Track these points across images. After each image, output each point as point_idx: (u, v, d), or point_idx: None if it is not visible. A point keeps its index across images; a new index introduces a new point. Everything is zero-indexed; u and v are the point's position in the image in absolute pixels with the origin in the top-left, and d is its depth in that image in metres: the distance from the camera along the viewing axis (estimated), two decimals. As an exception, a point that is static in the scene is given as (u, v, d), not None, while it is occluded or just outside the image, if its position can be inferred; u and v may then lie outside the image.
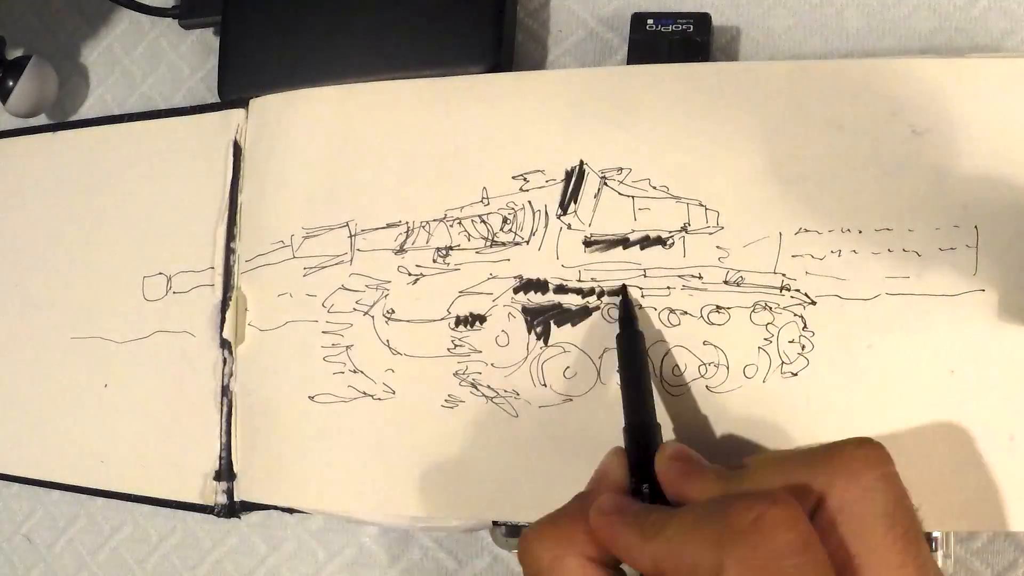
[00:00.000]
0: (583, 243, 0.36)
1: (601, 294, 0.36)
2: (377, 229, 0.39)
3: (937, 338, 0.33)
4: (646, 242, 0.35)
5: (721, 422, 0.34)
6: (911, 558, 0.26)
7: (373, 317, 0.38)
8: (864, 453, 0.27)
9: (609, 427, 0.35)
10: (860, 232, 0.34)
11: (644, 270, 0.35)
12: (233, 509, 0.41)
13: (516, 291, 0.37)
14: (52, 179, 0.46)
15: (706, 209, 0.35)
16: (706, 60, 0.37)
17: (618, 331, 0.34)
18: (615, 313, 0.35)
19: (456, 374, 0.37)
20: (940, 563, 0.33)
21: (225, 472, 0.41)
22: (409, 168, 0.38)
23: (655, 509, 0.28)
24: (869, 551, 0.26)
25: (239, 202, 0.42)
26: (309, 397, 0.39)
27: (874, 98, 0.34)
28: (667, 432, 0.34)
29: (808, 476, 0.27)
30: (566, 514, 0.29)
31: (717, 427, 0.34)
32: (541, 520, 0.29)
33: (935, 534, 0.33)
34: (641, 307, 0.35)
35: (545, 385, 0.36)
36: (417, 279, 0.38)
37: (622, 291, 0.35)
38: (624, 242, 0.36)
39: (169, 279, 0.43)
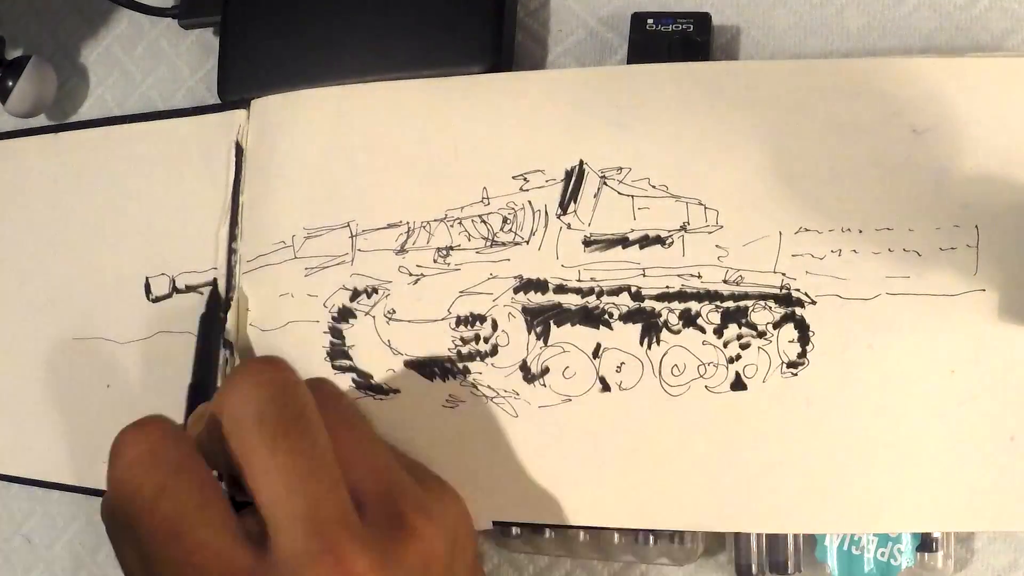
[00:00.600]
0: (583, 243, 0.36)
1: (601, 294, 0.36)
2: (378, 229, 0.39)
3: (937, 338, 0.33)
4: (645, 241, 0.35)
5: (721, 422, 0.34)
6: (283, 448, 0.28)
7: (374, 317, 0.38)
8: (244, 368, 0.30)
9: (609, 427, 0.35)
10: (860, 232, 0.34)
11: (643, 269, 0.35)
12: (234, 509, 0.41)
13: (516, 291, 0.37)
14: (53, 180, 0.46)
15: (705, 208, 0.35)
16: (706, 60, 0.37)
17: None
18: (615, 312, 0.35)
19: (456, 373, 0.37)
20: (940, 563, 0.33)
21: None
22: (410, 168, 0.38)
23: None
24: (250, 451, 0.28)
25: (241, 203, 0.42)
26: (310, 397, 0.39)
27: (875, 97, 0.34)
28: (668, 436, 0.34)
29: (215, 402, 0.30)
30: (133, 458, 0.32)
31: (717, 427, 0.34)
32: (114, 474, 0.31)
33: (935, 534, 0.33)
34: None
35: (545, 385, 0.36)
36: (418, 279, 0.38)
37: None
38: (624, 241, 0.36)
39: (171, 280, 0.43)
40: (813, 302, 0.34)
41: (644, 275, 0.35)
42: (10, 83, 0.46)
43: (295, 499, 0.27)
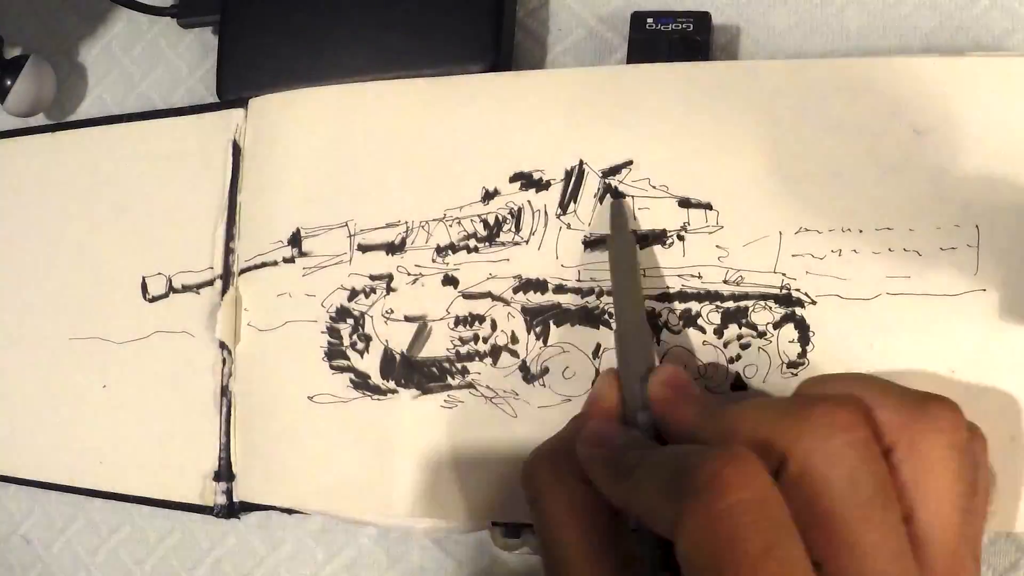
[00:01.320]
0: (583, 243, 0.36)
1: (601, 294, 0.35)
2: (376, 229, 0.39)
3: (938, 338, 0.33)
4: (645, 241, 0.35)
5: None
6: (877, 522, 0.26)
7: (372, 317, 0.38)
8: (832, 416, 0.26)
9: (609, 427, 0.35)
10: (861, 231, 0.33)
11: (643, 269, 0.35)
12: (232, 510, 0.41)
13: (516, 291, 0.36)
14: (51, 179, 0.46)
15: (706, 208, 0.35)
16: (706, 59, 0.37)
17: (611, 235, 0.35)
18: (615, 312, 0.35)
19: (455, 373, 0.37)
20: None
21: (224, 472, 0.41)
22: (408, 168, 0.38)
23: (633, 446, 0.29)
24: (833, 514, 0.26)
25: (238, 202, 0.42)
26: (308, 397, 0.39)
27: (875, 97, 0.34)
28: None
29: (776, 433, 0.26)
30: (561, 438, 0.31)
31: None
32: (540, 446, 0.31)
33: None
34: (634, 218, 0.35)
35: (544, 385, 0.36)
36: (416, 279, 0.38)
37: (616, 196, 0.35)
38: (624, 241, 0.35)
39: (168, 279, 0.43)
40: (813, 302, 0.34)
41: (644, 275, 0.35)
42: (8, 82, 0.46)
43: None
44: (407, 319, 0.38)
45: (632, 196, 0.36)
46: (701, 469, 0.25)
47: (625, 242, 0.34)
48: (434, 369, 0.37)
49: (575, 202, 0.36)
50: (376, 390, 0.38)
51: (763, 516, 0.25)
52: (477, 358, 0.37)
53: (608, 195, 0.36)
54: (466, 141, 0.38)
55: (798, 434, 0.26)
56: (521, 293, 0.36)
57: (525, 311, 0.36)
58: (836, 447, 0.26)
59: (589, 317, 0.35)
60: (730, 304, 0.34)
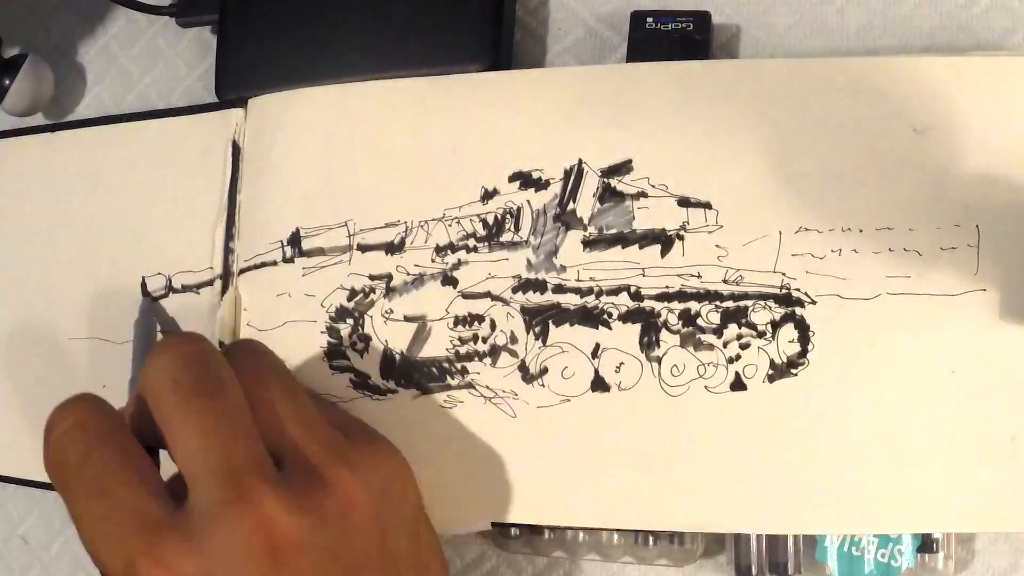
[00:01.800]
0: (582, 242, 0.36)
1: (600, 294, 0.35)
2: (376, 229, 0.38)
3: (938, 338, 0.33)
4: (645, 241, 0.35)
5: (720, 423, 0.34)
6: (196, 410, 0.30)
7: (372, 317, 0.38)
8: (166, 341, 0.32)
9: (608, 428, 0.35)
10: (861, 231, 0.33)
11: (643, 269, 0.35)
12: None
13: (515, 291, 0.36)
14: (49, 179, 0.46)
15: (706, 208, 0.35)
16: (706, 58, 0.37)
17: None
18: (614, 312, 0.35)
19: (455, 373, 0.37)
20: (941, 564, 0.33)
21: (223, 473, 0.40)
22: (408, 167, 0.38)
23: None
24: (168, 415, 0.30)
25: (238, 202, 0.42)
26: (308, 397, 0.39)
27: (875, 96, 0.34)
28: (667, 436, 0.34)
29: (142, 374, 0.31)
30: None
31: (716, 428, 0.34)
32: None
33: (935, 535, 0.33)
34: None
35: (543, 385, 0.36)
36: (416, 279, 0.38)
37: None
38: (623, 241, 0.35)
39: (168, 279, 0.42)
40: (813, 302, 0.34)
41: (643, 275, 0.35)
42: (7, 82, 0.46)
43: (208, 453, 0.29)
44: (406, 319, 0.38)
45: (631, 195, 0.36)
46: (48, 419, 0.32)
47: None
48: (433, 369, 0.37)
49: (574, 201, 0.36)
50: (376, 390, 0.38)
51: (80, 436, 0.31)
52: (476, 358, 0.37)
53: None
54: (465, 140, 0.38)
55: (146, 363, 0.31)
56: (520, 293, 0.36)
57: (524, 311, 0.36)
58: (165, 359, 0.31)
59: (588, 317, 0.35)
60: (730, 304, 0.34)
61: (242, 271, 0.41)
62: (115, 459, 0.30)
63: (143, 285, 0.43)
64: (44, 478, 0.44)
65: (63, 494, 0.31)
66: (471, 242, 0.37)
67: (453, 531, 0.38)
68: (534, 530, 0.36)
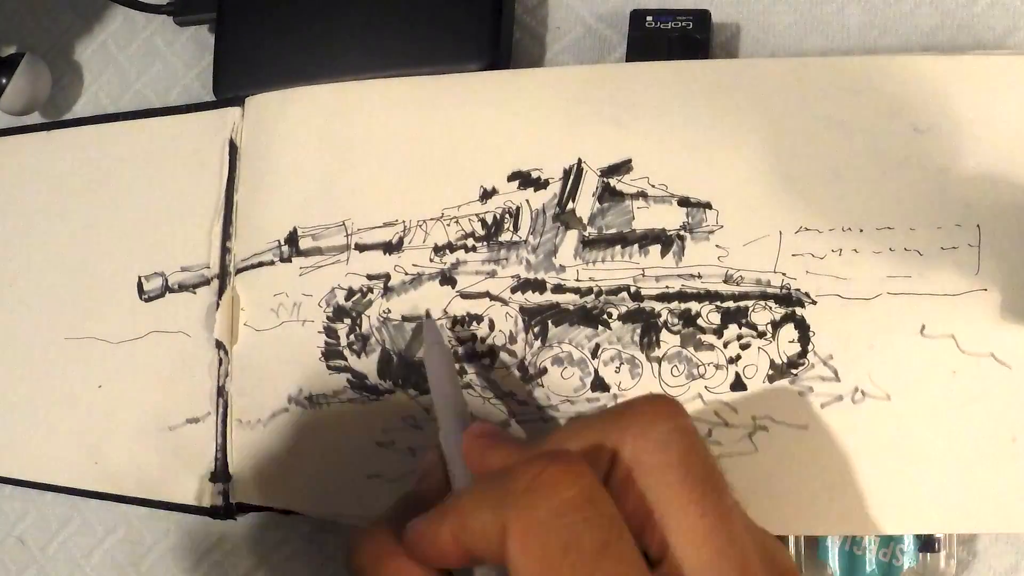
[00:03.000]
0: (581, 242, 0.36)
1: (600, 294, 0.35)
2: (374, 228, 0.38)
3: (939, 338, 0.32)
4: (645, 241, 0.35)
5: (720, 423, 0.34)
6: (711, 507, 0.25)
7: (369, 317, 0.38)
8: (654, 407, 0.27)
9: (608, 428, 0.35)
10: (861, 231, 0.33)
11: (643, 269, 0.35)
12: (229, 511, 0.40)
13: (513, 291, 0.36)
14: (46, 178, 0.46)
15: (705, 208, 0.35)
16: (706, 57, 0.37)
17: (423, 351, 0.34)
18: (614, 312, 0.35)
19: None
20: (943, 564, 0.33)
21: (221, 474, 0.40)
22: (406, 167, 0.38)
23: (453, 494, 0.28)
24: (667, 502, 0.25)
25: (235, 201, 0.42)
26: (306, 397, 0.39)
27: (875, 95, 0.34)
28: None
29: (601, 435, 0.26)
30: (390, 517, 0.29)
31: (716, 429, 0.34)
32: (370, 521, 0.29)
33: (938, 535, 0.33)
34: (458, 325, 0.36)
35: (542, 386, 0.36)
36: (414, 279, 0.38)
37: (426, 316, 0.36)
38: (622, 241, 0.35)
39: (164, 279, 0.42)
40: (813, 302, 0.33)
41: (643, 275, 0.35)
42: (4, 81, 0.45)
43: (725, 564, 0.25)
44: (404, 319, 0.38)
45: (631, 195, 0.35)
46: (521, 472, 0.25)
47: (442, 355, 0.34)
48: (432, 369, 0.37)
49: (574, 201, 0.36)
50: (374, 390, 0.38)
51: (594, 514, 0.24)
52: (475, 358, 0.36)
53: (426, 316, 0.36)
54: (464, 140, 0.38)
55: (625, 426, 0.26)
56: (519, 293, 0.36)
57: (523, 311, 0.36)
58: (662, 434, 0.26)
59: (587, 317, 0.35)
60: (730, 304, 0.34)
61: (239, 271, 0.41)
62: (635, 559, 0.24)
63: (139, 284, 0.43)
64: (40, 479, 0.44)
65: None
66: (470, 242, 0.37)
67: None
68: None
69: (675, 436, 0.26)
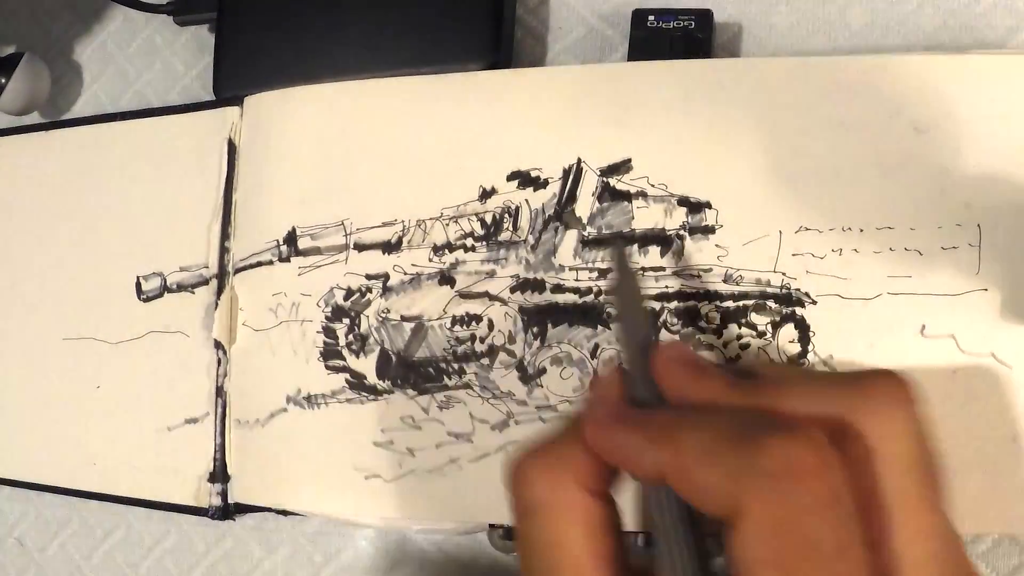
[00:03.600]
0: (581, 242, 0.36)
1: (599, 294, 0.35)
2: (373, 228, 0.38)
3: (939, 338, 0.32)
4: (644, 241, 0.35)
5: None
6: (939, 503, 0.24)
7: (368, 317, 0.38)
8: (895, 388, 0.25)
9: (607, 428, 0.34)
10: (861, 231, 0.33)
11: (642, 269, 0.35)
12: (228, 511, 0.40)
13: (513, 290, 0.36)
14: (45, 178, 0.46)
15: (705, 207, 0.35)
16: (708, 57, 0.37)
17: (615, 276, 0.31)
18: (614, 312, 0.35)
19: (452, 373, 0.36)
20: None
21: (219, 474, 0.40)
22: (405, 166, 0.38)
23: (662, 412, 0.25)
24: (901, 494, 0.24)
25: (233, 200, 0.41)
26: (304, 398, 0.38)
27: (876, 95, 0.34)
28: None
29: (840, 406, 0.24)
30: (560, 439, 0.26)
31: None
32: (533, 446, 0.26)
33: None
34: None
35: (541, 386, 0.35)
36: (413, 278, 0.37)
37: (618, 243, 0.34)
38: (622, 240, 0.35)
39: (163, 279, 0.42)
40: (813, 302, 0.33)
41: (643, 275, 0.35)
42: (3, 80, 0.45)
43: (949, 559, 0.24)
44: (403, 319, 0.37)
45: (631, 194, 0.35)
46: (771, 448, 0.22)
47: (631, 282, 0.31)
48: (430, 369, 0.37)
49: (573, 201, 0.36)
50: (372, 390, 0.37)
51: (838, 512, 0.22)
52: (474, 358, 0.36)
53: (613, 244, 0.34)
54: (464, 139, 0.37)
55: (867, 402, 0.24)
56: (518, 293, 0.36)
57: (522, 311, 0.36)
58: (902, 422, 0.24)
59: (587, 317, 0.35)
60: (730, 304, 0.34)
61: (238, 270, 0.41)
62: (867, 567, 0.22)
63: (138, 284, 0.43)
64: (38, 480, 0.44)
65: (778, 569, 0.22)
66: (469, 241, 0.37)
67: (451, 533, 0.38)
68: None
69: (916, 426, 0.24)
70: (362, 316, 0.38)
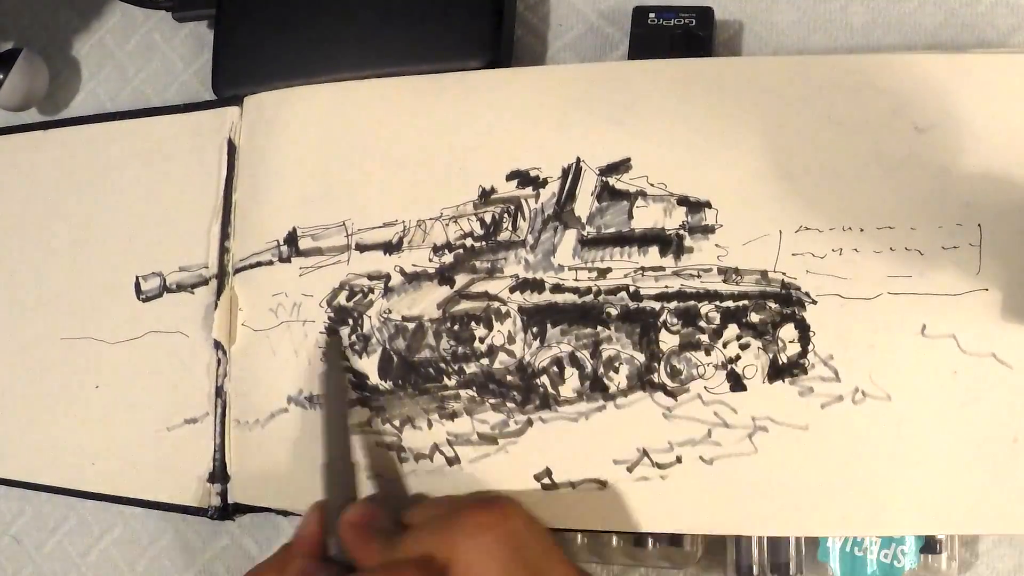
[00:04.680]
0: (580, 242, 0.36)
1: (599, 293, 0.35)
2: (373, 228, 0.38)
3: (940, 338, 0.32)
4: (644, 240, 0.35)
5: (720, 424, 0.33)
6: None
7: (370, 317, 0.38)
8: (480, 518, 0.30)
9: (605, 428, 0.34)
10: (862, 230, 0.33)
11: (642, 269, 0.35)
12: (227, 511, 0.40)
13: (512, 290, 0.36)
14: (43, 177, 0.46)
15: (705, 207, 0.35)
16: (708, 55, 0.37)
17: (323, 370, 0.37)
18: (613, 312, 0.35)
19: (452, 374, 0.36)
20: (944, 565, 0.33)
21: (219, 474, 0.40)
22: (406, 166, 0.38)
23: None
24: None
25: (233, 200, 0.41)
26: (306, 398, 0.38)
27: (877, 94, 0.34)
28: (664, 439, 0.34)
29: (438, 544, 0.30)
30: (267, 568, 0.34)
31: (716, 429, 0.33)
32: (250, 571, 0.34)
33: (939, 536, 0.33)
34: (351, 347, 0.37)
35: (541, 385, 0.35)
36: (414, 278, 0.37)
37: (332, 333, 0.37)
38: (622, 240, 0.35)
39: (162, 279, 0.42)
40: (814, 302, 0.33)
41: (642, 274, 0.35)
42: (0, 76, 0.45)
43: None
44: (404, 319, 0.37)
45: (631, 194, 0.35)
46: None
47: (336, 378, 0.37)
48: (431, 370, 0.37)
49: (573, 200, 0.36)
50: (374, 390, 0.37)
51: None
52: (474, 358, 0.36)
53: (327, 331, 0.37)
54: (464, 139, 0.37)
55: (455, 536, 0.30)
56: (518, 293, 0.36)
57: (522, 311, 0.36)
58: (486, 544, 0.30)
59: (586, 316, 0.35)
60: (729, 304, 0.34)
61: (238, 270, 0.41)
62: None
63: (137, 284, 0.42)
64: (36, 479, 0.44)
65: None
66: (469, 241, 0.37)
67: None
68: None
69: (496, 546, 0.30)
70: (364, 316, 0.38)
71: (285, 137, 0.40)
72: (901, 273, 0.33)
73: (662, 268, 0.35)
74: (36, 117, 0.48)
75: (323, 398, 0.37)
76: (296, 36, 0.41)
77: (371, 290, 0.38)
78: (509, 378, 0.36)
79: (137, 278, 0.42)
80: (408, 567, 0.30)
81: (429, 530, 0.31)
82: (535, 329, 0.36)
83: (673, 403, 0.34)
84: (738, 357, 0.34)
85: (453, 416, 0.36)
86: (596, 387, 0.35)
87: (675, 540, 0.35)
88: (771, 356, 0.33)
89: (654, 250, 0.35)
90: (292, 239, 0.39)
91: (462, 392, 0.36)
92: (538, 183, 0.36)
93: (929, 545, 0.33)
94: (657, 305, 0.34)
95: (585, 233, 0.36)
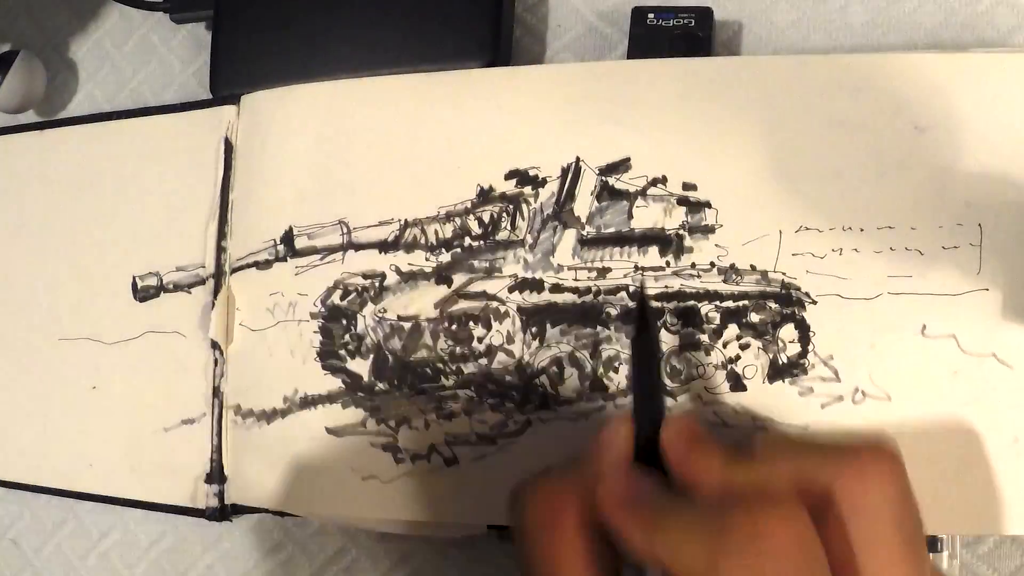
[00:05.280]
0: (579, 242, 0.36)
1: (598, 293, 0.35)
2: (370, 227, 0.38)
3: (940, 339, 0.32)
4: (643, 240, 0.35)
5: (720, 424, 0.33)
6: (917, 565, 0.26)
7: (365, 317, 0.38)
8: (875, 452, 0.27)
9: (606, 429, 0.34)
10: (862, 230, 0.33)
11: (641, 269, 0.35)
12: (224, 512, 0.40)
13: (511, 290, 0.36)
14: (41, 178, 0.46)
15: (705, 207, 0.35)
16: (707, 55, 0.37)
17: (634, 335, 0.34)
18: (612, 312, 0.35)
19: (450, 374, 0.36)
20: (946, 565, 0.33)
21: (216, 475, 0.40)
22: (403, 165, 0.38)
23: (660, 497, 0.28)
24: (872, 552, 0.26)
25: (230, 200, 0.41)
26: (302, 398, 0.38)
27: (877, 94, 0.34)
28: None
29: (817, 470, 0.27)
30: (570, 478, 0.29)
31: (716, 429, 0.33)
32: (544, 478, 0.30)
33: (940, 536, 0.33)
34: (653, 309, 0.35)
35: (540, 386, 0.35)
36: (410, 278, 0.37)
37: (639, 296, 0.35)
38: (621, 240, 0.35)
39: (159, 278, 0.42)
40: (814, 302, 0.33)
41: (642, 274, 0.35)
42: (-2, 78, 0.45)
43: None
44: (400, 319, 0.37)
45: (630, 194, 0.35)
46: (742, 523, 0.25)
47: (649, 341, 0.33)
48: (427, 370, 0.37)
49: (572, 200, 0.36)
50: (370, 391, 0.37)
51: (806, 559, 0.25)
52: (472, 359, 0.36)
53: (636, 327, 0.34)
54: (462, 138, 0.37)
55: (845, 466, 0.27)
56: (517, 292, 0.36)
57: (521, 311, 0.36)
58: (879, 482, 0.27)
59: (586, 317, 0.35)
60: (729, 304, 0.34)
61: (234, 270, 0.40)
62: None
63: (134, 284, 0.42)
64: (34, 481, 0.44)
65: None
66: (466, 241, 0.37)
67: (450, 534, 0.38)
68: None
69: (894, 490, 0.27)
70: (359, 316, 0.38)
71: (282, 136, 0.40)
72: (901, 273, 0.33)
73: (662, 268, 0.35)
74: (34, 119, 0.48)
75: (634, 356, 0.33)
76: (294, 36, 0.41)
77: (366, 289, 0.38)
78: (508, 378, 0.36)
79: (134, 278, 0.42)
80: (783, 488, 0.26)
81: (806, 451, 0.28)
82: (534, 329, 0.36)
83: (673, 403, 0.34)
84: (738, 357, 0.34)
85: (451, 416, 0.36)
86: (596, 387, 0.35)
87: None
88: (771, 356, 0.33)
89: (653, 250, 0.35)
90: (288, 238, 0.39)
91: (460, 392, 0.36)
92: (537, 182, 0.36)
93: (930, 545, 0.33)
94: (657, 305, 0.34)
95: (584, 233, 0.35)
